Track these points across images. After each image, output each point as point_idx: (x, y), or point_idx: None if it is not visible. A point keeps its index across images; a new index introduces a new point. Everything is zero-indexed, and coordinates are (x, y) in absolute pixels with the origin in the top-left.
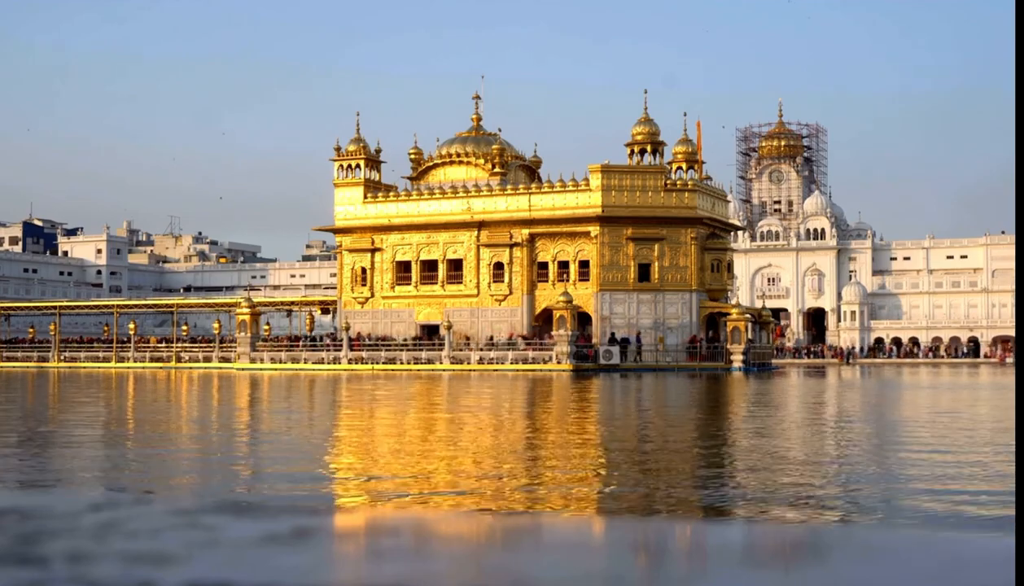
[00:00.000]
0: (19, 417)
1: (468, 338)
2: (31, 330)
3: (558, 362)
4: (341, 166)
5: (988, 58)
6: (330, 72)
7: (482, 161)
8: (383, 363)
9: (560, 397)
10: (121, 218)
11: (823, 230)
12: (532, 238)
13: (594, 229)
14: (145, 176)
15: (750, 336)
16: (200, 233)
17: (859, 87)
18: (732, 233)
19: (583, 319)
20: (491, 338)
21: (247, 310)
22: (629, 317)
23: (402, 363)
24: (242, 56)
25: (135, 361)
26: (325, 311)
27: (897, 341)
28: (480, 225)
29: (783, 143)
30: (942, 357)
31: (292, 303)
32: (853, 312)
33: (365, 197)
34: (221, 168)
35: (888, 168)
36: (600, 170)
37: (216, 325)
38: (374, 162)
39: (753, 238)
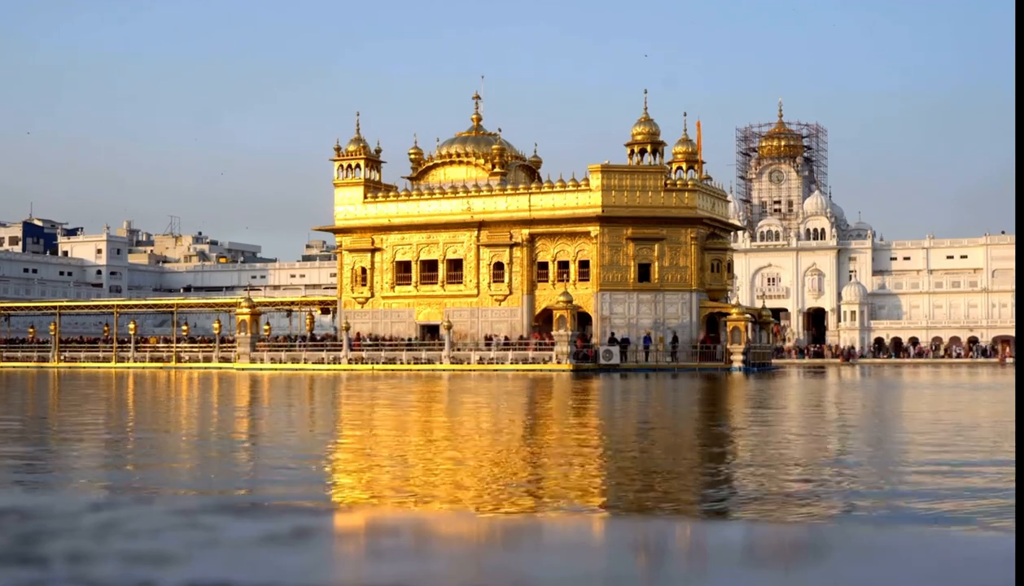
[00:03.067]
0: (19, 417)
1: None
2: (31, 330)
3: (558, 362)
4: (341, 166)
5: (988, 58)
6: (330, 72)
7: (482, 161)
8: (383, 363)
9: (560, 398)
10: (121, 218)
11: (823, 230)
12: (532, 238)
13: (594, 229)
14: (145, 176)
15: (750, 336)
16: (200, 233)
17: (859, 87)
18: (732, 233)
19: (583, 319)
20: (505, 338)
21: (247, 310)
22: (629, 317)
23: (402, 363)
24: (242, 56)
25: (135, 361)
26: (325, 311)
27: (897, 341)
28: (480, 225)
29: (783, 143)
30: (943, 357)
31: (292, 303)
32: (853, 312)
33: (365, 197)
34: (221, 168)
35: (888, 168)
36: (600, 170)
37: (216, 325)
38: (374, 162)
39: (753, 238)
